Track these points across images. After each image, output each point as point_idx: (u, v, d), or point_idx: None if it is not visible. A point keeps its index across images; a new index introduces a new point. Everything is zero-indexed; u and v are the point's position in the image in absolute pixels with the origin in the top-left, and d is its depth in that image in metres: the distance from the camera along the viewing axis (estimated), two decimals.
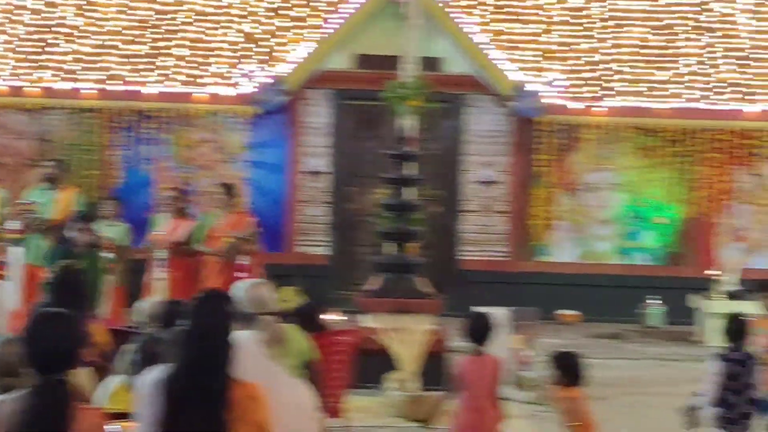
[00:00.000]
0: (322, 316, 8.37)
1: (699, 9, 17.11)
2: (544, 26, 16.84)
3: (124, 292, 12.31)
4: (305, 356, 6.43)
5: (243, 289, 6.17)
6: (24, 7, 16.72)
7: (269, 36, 16.56)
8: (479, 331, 7.72)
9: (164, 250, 12.37)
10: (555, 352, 7.91)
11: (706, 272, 14.79)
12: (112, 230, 12.52)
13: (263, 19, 16.76)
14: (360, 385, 9.77)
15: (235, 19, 16.78)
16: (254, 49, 16.37)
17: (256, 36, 16.56)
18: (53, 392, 4.20)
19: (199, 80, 15.96)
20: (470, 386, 7.57)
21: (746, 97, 15.86)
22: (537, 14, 16.98)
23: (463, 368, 7.68)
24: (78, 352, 4.36)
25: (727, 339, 7.96)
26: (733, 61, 16.40)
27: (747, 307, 9.48)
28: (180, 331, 4.55)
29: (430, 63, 15.10)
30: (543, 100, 15.73)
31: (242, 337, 6.13)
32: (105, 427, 5.26)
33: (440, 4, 15.77)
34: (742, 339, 7.93)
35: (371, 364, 10.06)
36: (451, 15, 15.99)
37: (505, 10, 16.97)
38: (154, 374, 4.49)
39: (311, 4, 16.88)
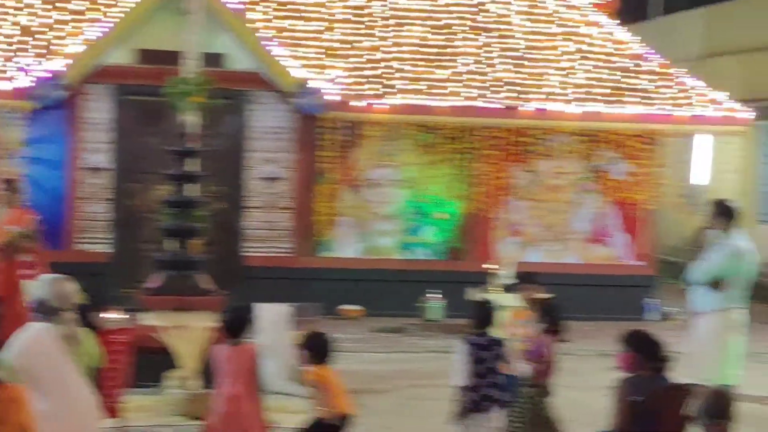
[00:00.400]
0: (99, 315, 8.27)
1: (476, 10, 17.56)
2: (326, 24, 16.97)
3: None
4: (94, 360, 6.36)
5: (46, 283, 6.08)
6: None
7: (47, 29, 16.15)
8: (235, 323, 7.94)
9: None
10: (305, 333, 8.28)
11: (484, 266, 15.21)
12: None
13: (40, 11, 16.33)
14: (140, 384, 9.69)
15: (11, 11, 16.29)
16: (31, 43, 15.94)
17: (32, 29, 16.13)
18: None
19: None
20: (227, 375, 7.76)
21: (521, 96, 16.35)
22: (319, 12, 17.09)
23: (220, 357, 7.86)
24: None
25: (475, 324, 8.27)
26: (509, 60, 16.88)
27: (516, 300, 9.77)
28: None
29: (212, 59, 14.99)
30: (326, 98, 15.85)
31: (39, 329, 6.03)
32: None
33: (222, 0, 15.68)
34: (487, 324, 8.25)
35: (152, 363, 9.99)
36: (234, 11, 15.93)
37: (288, 7, 17.01)
38: None
39: None
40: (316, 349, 8.04)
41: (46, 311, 5.88)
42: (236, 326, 7.97)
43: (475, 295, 14.26)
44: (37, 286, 6.01)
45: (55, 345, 5.86)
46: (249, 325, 8.06)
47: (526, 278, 9.48)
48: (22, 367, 4.42)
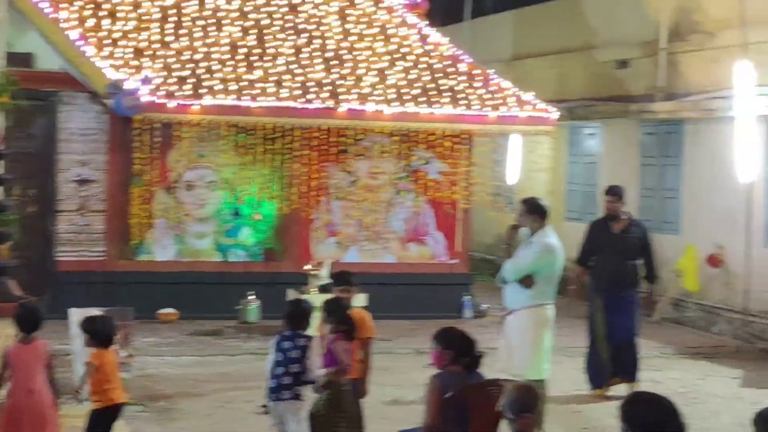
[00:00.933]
0: None
1: (289, 10, 17.56)
2: (138, 23, 16.70)
3: None
4: None
5: None
6: None
7: None
8: (28, 320, 8.19)
9: None
10: (84, 317, 8.68)
11: (304, 267, 15.24)
12: None
13: None
14: None
15: None
16: None
17: None
18: None
19: None
20: (20, 370, 7.99)
21: (336, 97, 16.43)
22: (132, 11, 16.82)
23: (12, 354, 8.09)
24: None
25: (287, 323, 8.34)
26: (323, 61, 16.94)
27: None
28: None
29: (20, 58, 14.65)
30: (139, 98, 15.60)
31: None
32: None
33: None
34: (300, 323, 8.34)
35: None
36: (42, 9, 15.57)
37: (100, 6, 16.68)
38: None
39: None
40: (97, 332, 8.32)
41: None
42: (30, 323, 8.17)
43: (292, 295, 14.30)
44: None
45: None
46: (41, 322, 8.19)
47: (339, 278, 9.52)
48: None
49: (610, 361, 12.31)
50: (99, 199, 16.12)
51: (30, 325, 8.14)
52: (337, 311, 8.53)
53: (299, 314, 8.41)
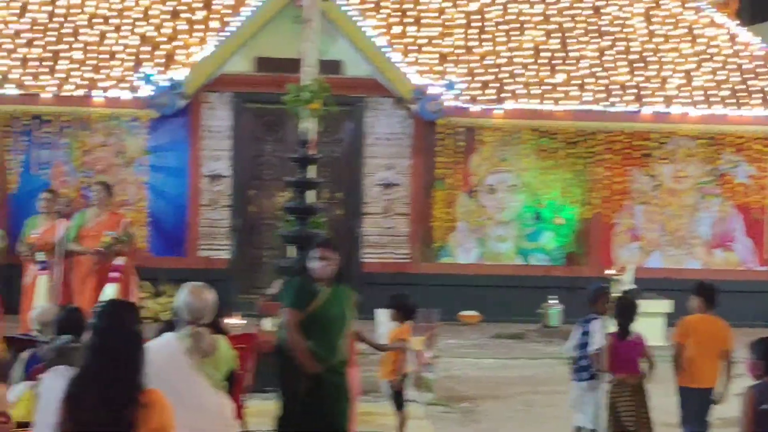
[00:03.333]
0: (224, 321, 8.36)
1: (593, 12, 17.39)
2: (443, 29, 16.96)
3: (1, 298, 12.03)
4: (230, 366, 6.42)
5: (185, 291, 6.16)
6: None
7: (168, 39, 16.44)
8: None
9: (42, 252, 12.17)
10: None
11: (606, 272, 15.03)
12: None
13: (162, 22, 16.63)
14: (262, 389, 9.77)
15: (134, 22, 16.62)
16: (153, 52, 16.24)
17: (154, 39, 16.43)
18: None
19: (97, 84, 15.78)
20: None
21: (641, 100, 16.12)
22: (436, 17, 17.09)
23: None
24: None
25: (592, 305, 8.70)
26: (627, 64, 16.67)
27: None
28: (84, 338, 4.52)
29: (330, 66, 15.13)
30: (443, 103, 15.84)
31: (166, 343, 6.11)
32: None
33: (340, 7, 15.76)
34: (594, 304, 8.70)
35: (272, 368, 10.04)
36: (351, 18, 16.03)
37: (405, 13, 17.05)
38: (54, 381, 4.46)
39: (211, 6, 16.80)
40: (405, 306, 9.07)
41: (181, 319, 5.96)
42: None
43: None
44: (177, 293, 6.12)
45: (181, 356, 5.92)
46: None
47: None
48: (150, 374, 4.47)
49: None
50: (403, 203, 16.44)
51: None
52: (625, 312, 8.58)
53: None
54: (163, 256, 15.74)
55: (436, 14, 17.12)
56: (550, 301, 15.86)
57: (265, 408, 10.04)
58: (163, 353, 5.83)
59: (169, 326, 6.93)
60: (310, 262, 7.56)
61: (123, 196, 15.63)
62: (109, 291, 11.95)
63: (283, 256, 13.19)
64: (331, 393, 7.46)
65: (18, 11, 16.60)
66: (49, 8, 16.66)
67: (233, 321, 9.16)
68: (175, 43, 16.40)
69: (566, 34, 17.06)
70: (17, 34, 16.31)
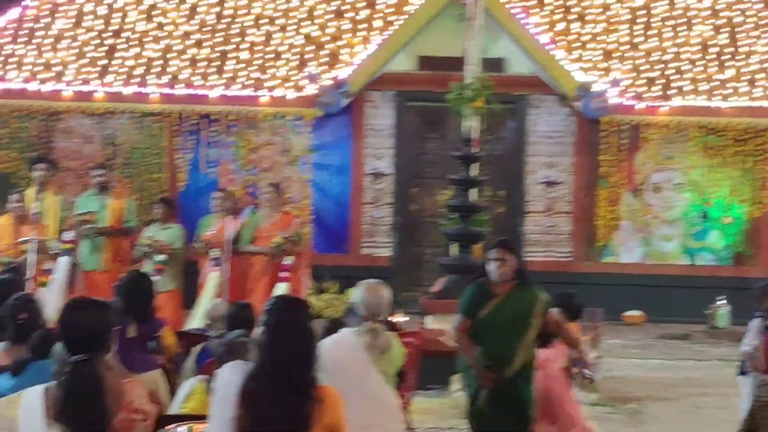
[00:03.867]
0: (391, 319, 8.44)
1: (763, 6, 16.94)
2: (607, 25, 16.75)
3: (179, 294, 12.40)
4: (400, 363, 6.47)
5: (361, 288, 6.25)
6: (91, 13, 16.91)
7: (332, 38, 16.63)
8: None
9: (216, 250, 12.45)
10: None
11: None
12: (165, 233, 12.61)
13: (326, 22, 16.83)
14: (425, 386, 9.82)
15: (299, 22, 16.86)
16: (317, 52, 16.45)
17: (319, 39, 16.64)
18: (84, 372, 4.33)
19: (263, 83, 16.06)
20: None
21: None
22: (601, 13, 16.89)
23: None
24: (106, 336, 4.48)
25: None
26: None
27: None
28: (258, 334, 4.59)
29: (492, 64, 15.10)
30: (607, 100, 15.66)
31: (344, 339, 6.20)
32: (175, 427, 5.35)
33: (503, 5, 15.71)
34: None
35: (436, 366, 10.08)
36: (515, 15, 15.96)
37: (569, 9, 16.90)
38: (230, 376, 4.54)
39: (375, 6, 16.93)
40: (571, 305, 8.82)
41: (357, 315, 6.04)
42: None
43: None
44: (354, 290, 6.20)
45: (360, 352, 5.99)
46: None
47: None
48: (325, 370, 4.52)
49: None
50: (566, 201, 16.29)
51: None
52: None
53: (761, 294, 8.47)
54: (326, 253, 15.90)
55: (601, 10, 16.91)
56: (718, 302, 15.51)
57: (427, 406, 10.11)
58: (341, 349, 5.90)
59: (336, 323, 7.02)
60: (487, 263, 7.42)
61: (287, 194, 15.87)
62: (281, 290, 12.19)
63: (445, 253, 13.23)
64: (509, 401, 7.28)
65: (187, 13, 17.00)
66: (217, 9, 17.02)
67: (396, 318, 9.20)
68: (339, 43, 16.58)
69: (736, 29, 16.66)
70: (187, 35, 16.70)
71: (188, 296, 12.60)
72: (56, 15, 16.87)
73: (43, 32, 16.62)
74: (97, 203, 12.55)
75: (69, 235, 12.16)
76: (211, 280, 12.43)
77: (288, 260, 12.29)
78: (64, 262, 11.98)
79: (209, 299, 11.91)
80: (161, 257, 12.27)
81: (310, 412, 4.34)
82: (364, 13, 16.90)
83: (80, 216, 12.25)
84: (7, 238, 11.97)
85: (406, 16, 16.14)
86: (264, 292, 12.09)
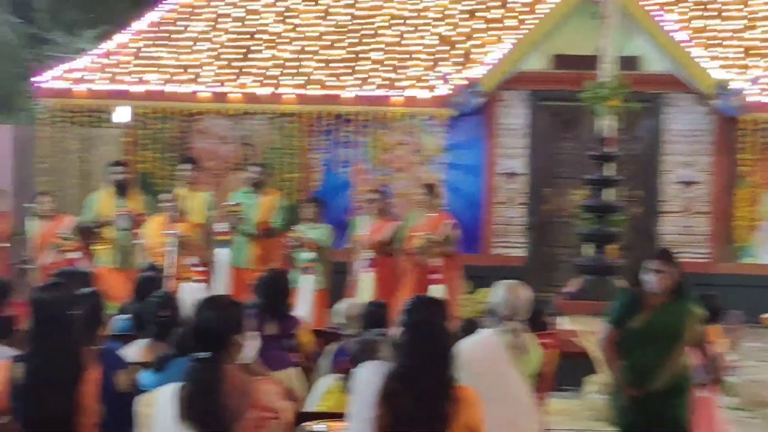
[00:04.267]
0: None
1: None
2: (747, 22, 16.38)
3: (326, 294, 12.57)
4: (538, 364, 6.44)
5: (500, 288, 6.26)
6: (227, 16, 17.19)
7: (465, 38, 16.60)
8: None
9: (368, 250, 12.58)
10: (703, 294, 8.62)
11: None
12: (314, 232, 12.81)
13: (459, 22, 16.81)
14: (560, 387, 9.75)
15: (432, 22, 16.88)
16: (450, 52, 16.44)
17: (452, 38, 16.63)
18: (205, 370, 4.38)
19: (395, 83, 16.10)
20: None
21: None
22: (739, 10, 16.53)
23: None
24: (230, 336, 4.52)
25: None
26: None
27: None
28: (396, 334, 4.61)
29: (627, 62, 14.87)
30: (746, 98, 15.32)
31: (485, 338, 6.21)
32: (312, 425, 5.39)
33: (638, 2, 15.50)
34: None
35: (571, 367, 10.00)
36: (650, 12, 15.72)
37: (707, 6, 16.58)
38: (369, 375, 4.56)
39: (507, 5, 16.86)
40: (713, 307, 8.63)
41: (497, 316, 6.02)
42: None
43: None
44: (492, 290, 6.19)
45: (501, 352, 5.97)
46: None
47: None
48: (464, 371, 4.52)
49: None
50: (703, 201, 15.97)
51: None
52: None
53: None
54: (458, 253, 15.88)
55: (740, 6, 16.55)
56: None
57: (562, 407, 10.04)
58: (482, 349, 5.90)
59: (473, 324, 7.01)
60: (645, 273, 7.26)
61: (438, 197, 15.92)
62: (434, 293, 12.27)
63: (579, 254, 13.10)
64: (658, 418, 7.08)
65: (321, 14, 17.15)
66: (351, 11, 17.13)
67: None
68: (471, 42, 16.54)
69: None
70: (320, 36, 16.85)
71: (335, 297, 12.81)
72: (193, 18, 17.19)
73: (180, 35, 16.95)
74: (249, 200, 12.92)
75: (221, 227, 12.47)
76: (364, 281, 12.57)
77: (436, 261, 12.35)
78: (222, 254, 12.25)
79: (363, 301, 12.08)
80: (310, 255, 12.45)
81: (448, 411, 4.34)
82: (497, 13, 16.84)
83: (231, 207, 12.59)
84: (157, 237, 12.29)
85: (540, 15, 16.02)
86: (409, 293, 12.22)
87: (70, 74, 16.36)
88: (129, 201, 13.25)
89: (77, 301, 5.06)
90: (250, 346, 4.60)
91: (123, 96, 16.14)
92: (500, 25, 16.65)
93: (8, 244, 13.29)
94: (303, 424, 5.57)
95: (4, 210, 13.36)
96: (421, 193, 13.23)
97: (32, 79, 16.98)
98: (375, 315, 7.62)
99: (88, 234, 13.22)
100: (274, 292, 7.49)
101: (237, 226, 12.91)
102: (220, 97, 16.09)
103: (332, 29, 16.94)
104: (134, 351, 6.75)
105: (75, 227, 13.06)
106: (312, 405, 6.61)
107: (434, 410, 4.31)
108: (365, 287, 12.44)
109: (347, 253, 13.10)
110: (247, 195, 13.33)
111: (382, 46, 16.63)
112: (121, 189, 13.35)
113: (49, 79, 16.29)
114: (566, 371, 9.67)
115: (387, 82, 16.11)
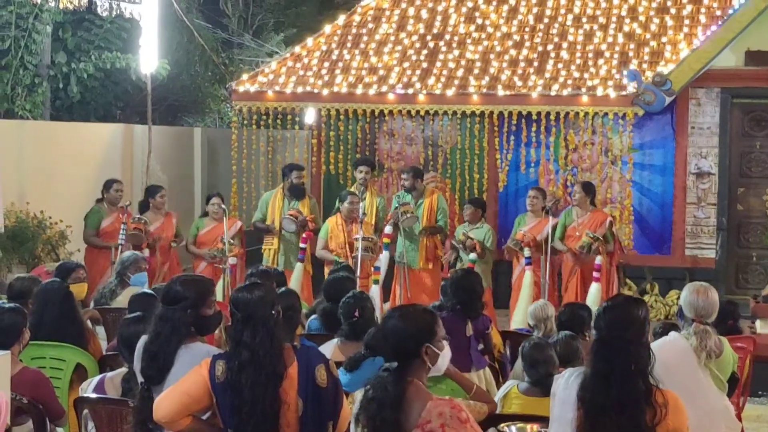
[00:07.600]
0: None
1: None
2: None
3: (489, 294, 12.56)
4: (732, 368, 6.32)
5: (690, 293, 6.17)
6: (414, 17, 17.31)
7: (654, 35, 16.33)
8: None
9: (529, 249, 12.68)
10: None
11: None
12: (475, 232, 12.86)
13: (649, 19, 16.54)
14: (756, 393, 9.51)
15: (620, 19, 16.64)
16: (639, 50, 16.19)
17: (641, 36, 16.37)
18: (384, 381, 4.40)
19: (583, 82, 15.93)
20: None
21: None
22: None
23: None
24: (422, 346, 4.49)
25: None
26: None
27: None
28: (593, 337, 4.58)
29: None
30: None
31: (673, 341, 6.12)
32: (505, 426, 5.39)
33: None
34: None
35: (766, 372, 9.75)
36: None
37: None
38: (569, 380, 4.54)
39: (699, 1, 16.51)
40: None
41: (685, 318, 5.93)
42: None
43: None
44: (681, 292, 6.11)
45: (689, 354, 5.87)
46: None
47: None
48: (661, 373, 4.46)
49: None
50: None
51: None
52: None
53: None
54: (647, 254, 15.64)
55: None
56: None
57: (757, 413, 9.78)
58: (669, 351, 5.81)
59: (669, 326, 6.89)
60: None
61: (608, 194, 15.74)
62: (593, 291, 12.20)
63: None
64: None
65: (507, 14, 17.11)
66: (537, 10, 17.04)
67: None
68: (661, 39, 16.26)
69: None
70: (507, 36, 16.81)
71: (500, 296, 12.88)
72: (381, 20, 17.37)
73: (367, 37, 17.15)
74: (412, 201, 13.10)
75: (387, 229, 12.68)
76: (525, 279, 12.60)
77: (598, 260, 12.33)
78: (385, 258, 12.45)
79: (527, 299, 12.06)
80: (472, 256, 12.53)
81: (650, 417, 4.28)
82: (688, 8, 16.51)
83: (401, 207, 12.76)
84: (338, 238, 12.53)
85: (732, 11, 15.62)
86: (574, 291, 12.21)
87: (264, 78, 16.76)
88: (301, 205, 13.40)
89: (278, 301, 5.17)
90: (445, 351, 4.58)
91: (311, 98, 16.43)
92: (691, 21, 16.33)
93: (176, 244, 13.61)
94: (500, 426, 5.57)
95: (168, 211, 13.73)
96: (579, 191, 13.15)
97: (228, 84, 17.46)
98: (571, 316, 7.56)
99: (261, 232, 13.56)
100: (469, 291, 7.48)
101: (407, 227, 13.05)
102: (407, 98, 16.21)
103: (518, 29, 16.88)
104: (326, 351, 6.83)
105: (238, 231, 13.35)
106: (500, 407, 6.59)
107: (636, 416, 4.26)
108: (527, 285, 12.47)
109: (509, 251, 13.22)
110: (408, 196, 13.46)
111: (569, 45, 16.48)
112: (295, 192, 13.51)
113: (245, 82, 16.72)
114: (762, 377, 9.44)
115: (574, 81, 15.96)
